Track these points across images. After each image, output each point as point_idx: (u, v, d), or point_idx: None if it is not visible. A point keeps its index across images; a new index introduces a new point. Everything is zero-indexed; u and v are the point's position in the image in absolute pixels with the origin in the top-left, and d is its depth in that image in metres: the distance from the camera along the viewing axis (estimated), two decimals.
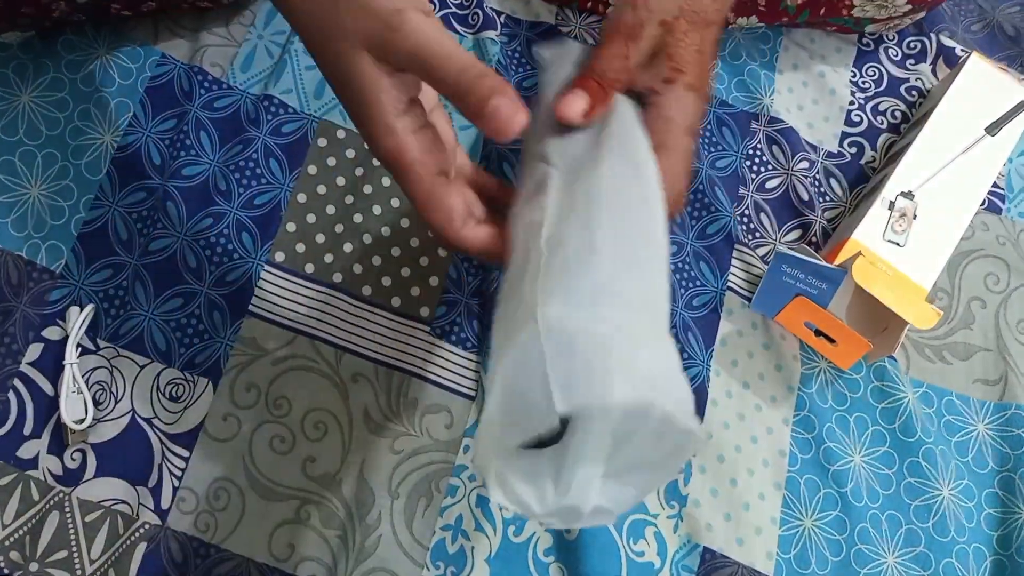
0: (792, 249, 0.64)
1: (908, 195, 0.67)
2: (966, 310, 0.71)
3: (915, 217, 0.67)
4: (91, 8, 0.61)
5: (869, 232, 0.66)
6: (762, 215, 0.71)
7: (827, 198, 0.73)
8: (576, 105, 0.44)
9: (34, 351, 0.59)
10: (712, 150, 0.72)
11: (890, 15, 0.73)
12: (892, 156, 0.73)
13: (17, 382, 0.59)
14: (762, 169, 0.72)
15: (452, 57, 0.38)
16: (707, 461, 0.63)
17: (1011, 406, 0.68)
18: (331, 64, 0.40)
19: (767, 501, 0.63)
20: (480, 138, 0.69)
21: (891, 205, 0.67)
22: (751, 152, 0.73)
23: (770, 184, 0.72)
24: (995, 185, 0.75)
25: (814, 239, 0.71)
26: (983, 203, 0.73)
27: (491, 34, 0.72)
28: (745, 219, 0.70)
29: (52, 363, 0.59)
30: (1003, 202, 0.75)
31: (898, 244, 0.66)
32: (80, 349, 0.60)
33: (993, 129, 0.70)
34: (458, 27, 0.73)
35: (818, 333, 0.66)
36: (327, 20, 0.39)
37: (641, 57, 0.46)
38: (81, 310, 0.60)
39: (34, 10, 0.59)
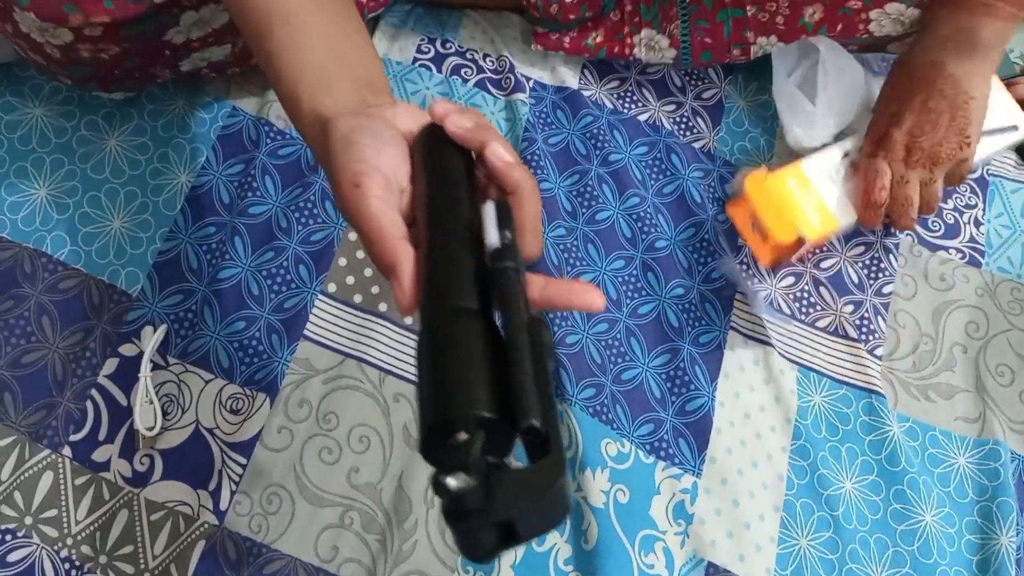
0: None
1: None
2: (949, 354, 0.78)
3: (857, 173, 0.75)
4: (188, 75, 0.70)
5: (817, 164, 0.75)
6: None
7: (820, 250, 0.80)
8: None
9: (111, 365, 0.67)
10: (716, 204, 0.80)
11: (907, 31, 0.78)
12: None
13: (94, 392, 0.66)
14: None
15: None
16: (712, 484, 0.70)
17: (989, 442, 0.74)
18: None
19: (766, 521, 0.69)
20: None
21: (846, 155, 0.76)
22: None
23: None
24: (975, 240, 0.83)
25: (806, 286, 0.78)
26: (964, 257, 0.81)
27: (521, 96, 0.81)
28: (744, 265, 0.78)
29: (126, 376, 0.66)
30: (982, 256, 0.82)
31: (834, 184, 0.75)
32: (152, 364, 0.67)
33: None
34: (492, 90, 0.82)
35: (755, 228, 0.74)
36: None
37: None
38: (154, 330, 0.67)
39: (142, 76, 0.68)
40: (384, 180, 0.40)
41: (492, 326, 0.35)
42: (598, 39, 0.82)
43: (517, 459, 0.33)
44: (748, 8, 0.78)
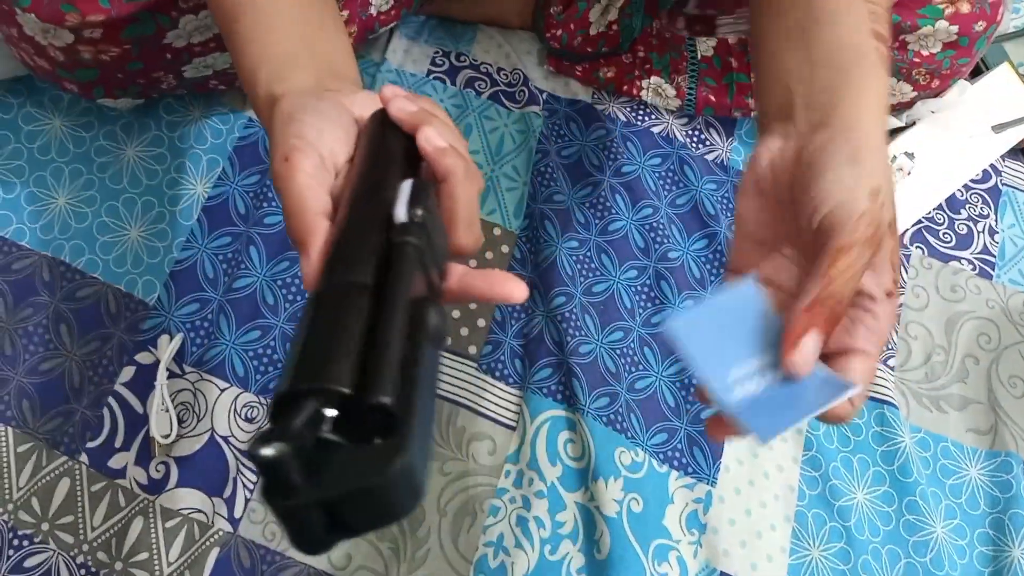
0: None
1: (910, 155, 0.77)
2: (961, 366, 0.78)
3: (909, 174, 0.77)
4: (193, 83, 0.71)
5: None
6: None
7: None
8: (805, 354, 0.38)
9: (127, 373, 0.67)
10: (730, 215, 0.81)
11: (899, 100, 0.80)
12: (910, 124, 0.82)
13: (111, 400, 0.66)
14: None
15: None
16: (725, 493, 0.70)
17: (1001, 454, 0.74)
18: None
19: (778, 531, 0.69)
20: (524, 198, 0.78)
21: (893, 159, 0.76)
22: None
23: None
24: (986, 251, 0.83)
25: None
26: (975, 269, 0.81)
27: (535, 109, 0.82)
28: None
29: (143, 384, 0.67)
30: (993, 269, 0.83)
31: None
32: (168, 373, 0.67)
33: (998, 129, 0.79)
34: (506, 102, 0.82)
35: None
36: None
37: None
38: (171, 338, 0.68)
39: (147, 82, 0.68)
40: (318, 159, 0.39)
41: None
42: (609, 74, 0.85)
43: None
44: (752, 75, 0.79)
